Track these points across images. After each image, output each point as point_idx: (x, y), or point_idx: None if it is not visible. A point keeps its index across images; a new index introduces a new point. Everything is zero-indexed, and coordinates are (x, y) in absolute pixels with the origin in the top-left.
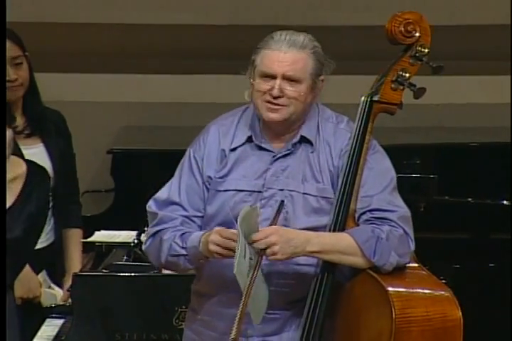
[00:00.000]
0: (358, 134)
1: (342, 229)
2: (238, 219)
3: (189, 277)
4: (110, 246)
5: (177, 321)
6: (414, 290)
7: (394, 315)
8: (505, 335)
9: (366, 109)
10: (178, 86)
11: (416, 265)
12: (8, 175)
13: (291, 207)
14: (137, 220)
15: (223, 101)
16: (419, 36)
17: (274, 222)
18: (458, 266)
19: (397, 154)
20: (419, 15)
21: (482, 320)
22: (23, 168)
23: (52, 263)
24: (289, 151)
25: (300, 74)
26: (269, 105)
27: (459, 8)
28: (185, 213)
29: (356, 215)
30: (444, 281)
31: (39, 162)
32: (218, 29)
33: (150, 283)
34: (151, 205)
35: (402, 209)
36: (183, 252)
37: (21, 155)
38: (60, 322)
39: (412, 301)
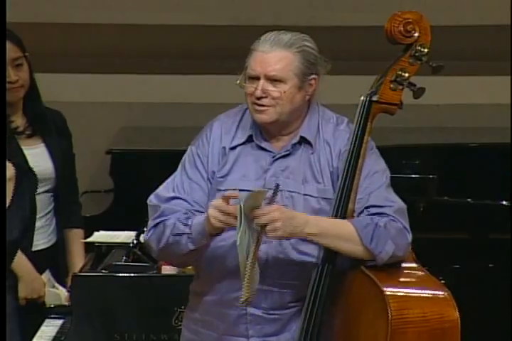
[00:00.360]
0: (357, 134)
1: None
2: (245, 195)
3: (188, 277)
4: (109, 247)
5: (176, 321)
6: (411, 291)
7: (390, 316)
8: (506, 335)
9: (365, 109)
10: (178, 86)
11: (415, 265)
12: None
13: (291, 208)
14: (136, 221)
15: (223, 101)
16: (419, 36)
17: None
18: (457, 267)
19: (396, 154)
20: (419, 14)
21: (482, 321)
22: (11, 170)
23: (55, 263)
24: (288, 152)
25: (282, 74)
26: (256, 107)
27: (458, 8)
28: (188, 207)
29: (355, 215)
30: (443, 281)
31: (40, 162)
32: (218, 29)
33: (149, 284)
34: (152, 199)
35: (398, 203)
36: (187, 230)
37: (23, 156)
38: (60, 322)
39: (409, 302)
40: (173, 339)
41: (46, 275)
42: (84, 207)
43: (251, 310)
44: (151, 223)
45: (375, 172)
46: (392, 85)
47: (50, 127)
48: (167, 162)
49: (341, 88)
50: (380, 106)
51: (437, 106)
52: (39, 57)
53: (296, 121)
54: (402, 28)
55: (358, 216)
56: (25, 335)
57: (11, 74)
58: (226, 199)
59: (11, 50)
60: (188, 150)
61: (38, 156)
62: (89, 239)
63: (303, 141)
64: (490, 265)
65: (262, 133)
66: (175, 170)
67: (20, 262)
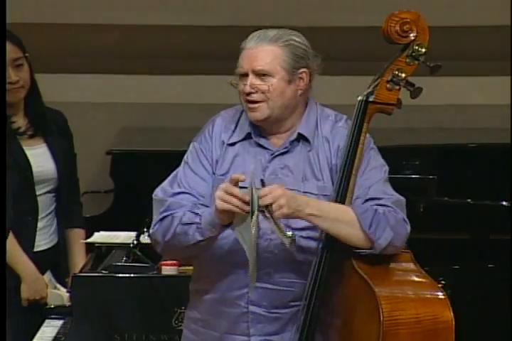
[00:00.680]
0: (353, 135)
1: None
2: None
3: (188, 278)
4: (110, 247)
5: (176, 322)
6: (405, 292)
7: (382, 318)
8: (506, 336)
9: (361, 110)
10: (178, 87)
11: (412, 265)
12: None
13: None
14: (137, 221)
15: (223, 102)
16: (416, 36)
17: None
18: (457, 267)
19: (396, 155)
20: (417, 14)
21: (482, 321)
22: None
23: (57, 263)
24: (286, 149)
25: (269, 68)
26: (249, 105)
27: (458, 9)
28: (195, 200)
29: None
30: (443, 282)
31: (42, 162)
32: (218, 30)
33: (149, 284)
34: (157, 193)
35: (396, 196)
36: (197, 220)
37: (25, 156)
38: (60, 322)
39: (402, 303)
40: (173, 340)
41: (47, 276)
42: (84, 207)
43: (252, 308)
44: (157, 217)
45: (373, 167)
46: (388, 85)
47: (52, 127)
48: (167, 162)
49: (341, 88)
50: (376, 107)
51: (437, 106)
52: (39, 58)
53: (292, 117)
54: (398, 28)
55: None
56: (26, 336)
57: (12, 75)
58: (233, 181)
59: (11, 51)
60: (191, 146)
61: (39, 157)
62: (89, 240)
63: (301, 138)
64: (490, 265)
65: (260, 131)
66: (175, 170)
67: (23, 263)
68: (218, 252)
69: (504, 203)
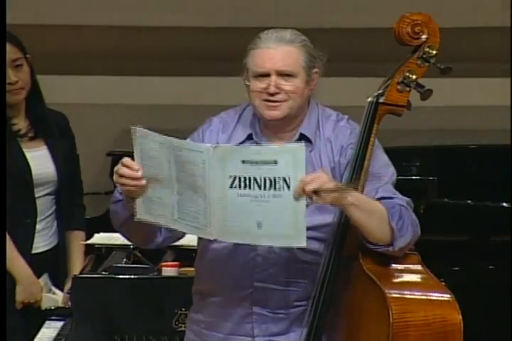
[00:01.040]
0: (363, 136)
1: (347, 228)
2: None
3: (189, 279)
4: (110, 249)
5: (177, 323)
6: (414, 294)
7: (391, 320)
8: (506, 337)
9: (371, 111)
10: (178, 88)
11: (420, 267)
12: None
13: None
14: None
15: (223, 103)
16: (427, 37)
17: None
18: (457, 268)
19: (397, 156)
20: (428, 16)
21: (482, 322)
22: None
23: (55, 266)
24: None
25: (293, 68)
26: (268, 103)
27: (458, 10)
28: None
29: None
30: (443, 283)
31: (42, 165)
32: (218, 31)
33: (150, 286)
34: None
35: (405, 197)
36: (121, 197)
37: (24, 158)
38: (60, 324)
39: (411, 305)
40: None
41: (44, 280)
42: None
43: (256, 309)
44: None
45: (379, 166)
46: (399, 87)
47: (53, 129)
48: None
49: (341, 89)
50: (387, 108)
51: (437, 108)
52: (40, 59)
53: (298, 117)
54: (409, 30)
55: None
56: (26, 337)
57: (11, 76)
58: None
59: (10, 52)
60: None
61: (40, 159)
62: (89, 241)
63: (303, 138)
64: (490, 267)
65: (261, 132)
66: None
67: (19, 266)
68: (221, 253)
69: (504, 204)
